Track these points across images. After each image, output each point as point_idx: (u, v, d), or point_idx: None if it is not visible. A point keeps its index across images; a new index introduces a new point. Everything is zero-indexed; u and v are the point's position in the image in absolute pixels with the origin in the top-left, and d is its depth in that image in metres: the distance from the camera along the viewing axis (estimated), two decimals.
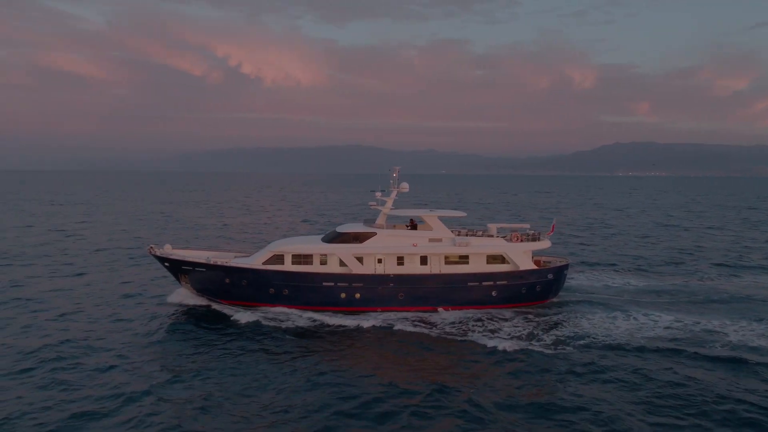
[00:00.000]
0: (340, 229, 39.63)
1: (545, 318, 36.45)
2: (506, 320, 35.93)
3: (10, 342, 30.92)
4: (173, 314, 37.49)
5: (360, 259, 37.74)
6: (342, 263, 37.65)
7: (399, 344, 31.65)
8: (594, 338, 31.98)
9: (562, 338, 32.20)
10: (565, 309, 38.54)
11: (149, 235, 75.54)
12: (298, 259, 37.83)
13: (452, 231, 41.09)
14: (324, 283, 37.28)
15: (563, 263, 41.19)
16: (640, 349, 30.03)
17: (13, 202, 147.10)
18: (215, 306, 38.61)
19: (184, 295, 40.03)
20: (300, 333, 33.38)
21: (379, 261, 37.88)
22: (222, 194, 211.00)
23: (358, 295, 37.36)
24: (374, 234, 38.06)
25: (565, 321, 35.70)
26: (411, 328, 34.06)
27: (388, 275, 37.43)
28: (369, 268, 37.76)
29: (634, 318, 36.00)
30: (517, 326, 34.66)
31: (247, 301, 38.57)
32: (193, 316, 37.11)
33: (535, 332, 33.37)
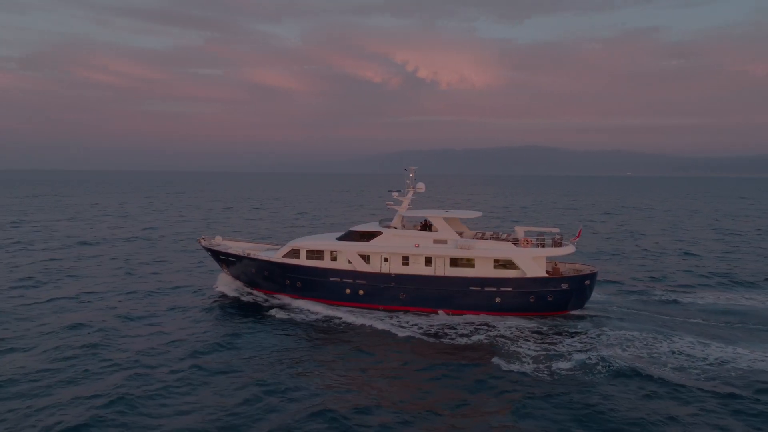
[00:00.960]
0: (353, 228, 40.65)
1: (553, 331, 33.29)
2: (508, 331, 33.40)
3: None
4: (211, 297, 42.14)
5: (366, 258, 38.50)
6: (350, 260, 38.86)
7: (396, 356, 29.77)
8: (609, 365, 26.99)
9: (563, 361, 27.85)
10: (584, 323, 34.71)
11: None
12: (312, 254, 39.89)
13: (475, 233, 40.18)
14: (331, 278, 38.86)
15: (587, 272, 37.54)
16: (662, 384, 24.74)
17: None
18: (245, 295, 42.03)
19: (224, 282, 44.53)
20: (308, 335, 33.15)
21: (385, 260, 38.24)
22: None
23: (361, 292, 38.22)
24: (380, 233, 38.48)
25: (576, 337, 31.99)
26: (419, 335, 32.72)
27: (390, 274, 37.69)
28: (375, 266, 38.33)
29: (673, 344, 30.33)
30: (517, 339, 31.88)
31: (270, 290, 41.88)
32: (225, 302, 41.11)
33: (531, 349, 29.98)
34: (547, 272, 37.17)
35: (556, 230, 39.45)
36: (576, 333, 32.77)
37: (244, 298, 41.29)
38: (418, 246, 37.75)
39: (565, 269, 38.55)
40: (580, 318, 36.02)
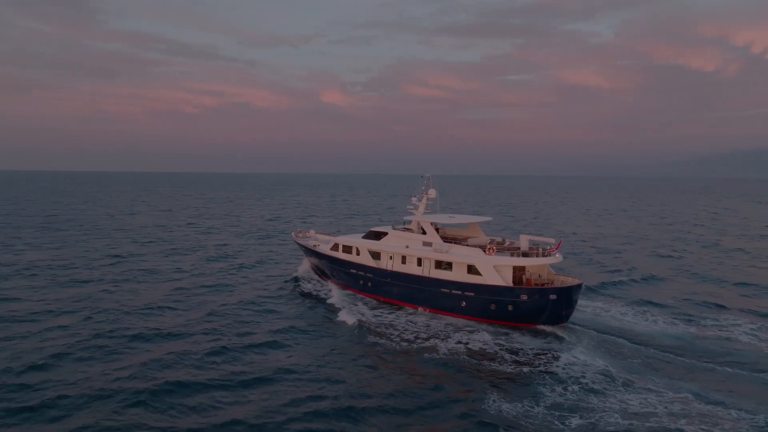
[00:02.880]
0: (372, 228, 47.51)
1: (488, 346, 33.26)
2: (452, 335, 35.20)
3: None
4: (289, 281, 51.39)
5: (376, 254, 44.29)
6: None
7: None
8: (548, 406, 25.10)
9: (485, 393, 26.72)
10: (540, 343, 33.76)
11: None
12: (345, 249, 46.56)
13: (490, 239, 43.68)
14: (350, 270, 45.66)
15: (560, 285, 36.74)
16: None
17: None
18: (306, 282, 50.75)
19: (302, 270, 53.98)
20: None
21: (390, 258, 43.50)
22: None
23: (369, 284, 44.49)
24: (386, 234, 44.43)
25: (524, 358, 31.18)
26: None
27: (386, 270, 42.87)
28: (382, 263, 43.71)
29: (635, 386, 27.21)
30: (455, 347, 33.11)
31: (324, 277, 50.30)
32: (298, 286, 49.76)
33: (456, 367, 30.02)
34: (536, 283, 37.14)
35: (552, 240, 40.08)
36: (527, 353, 32.19)
37: (304, 285, 49.74)
38: (408, 247, 41.93)
39: (558, 281, 38.06)
40: (545, 335, 34.96)
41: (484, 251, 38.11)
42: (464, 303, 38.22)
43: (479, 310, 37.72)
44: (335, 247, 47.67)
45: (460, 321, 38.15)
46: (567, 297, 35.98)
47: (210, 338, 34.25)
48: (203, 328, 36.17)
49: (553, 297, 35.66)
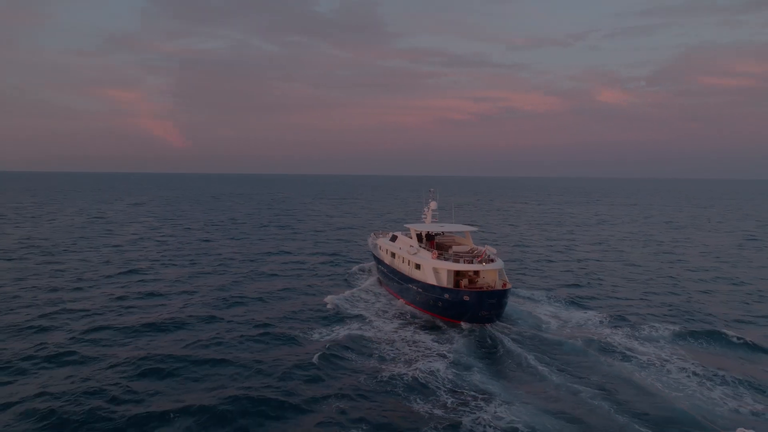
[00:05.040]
0: (395, 232, 54.43)
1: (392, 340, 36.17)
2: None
3: None
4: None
5: (392, 254, 50.69)
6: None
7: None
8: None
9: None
10: (435, 335, 37.00)
11: None
12: (384, 249, 53.27)
13: (473, 247, 48.57)
14: (380, 267, 53.29)
15: (478, 289, 39.78)
16: None
17: None
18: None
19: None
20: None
21: (393, 257, 50.18)
22: None
23: (383, 277, 52.11)
24: (396, 237, 51.92)
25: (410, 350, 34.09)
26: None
27: (389, 266, 49.52)
28: (396, 262, 49.48)
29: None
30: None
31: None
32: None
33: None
34: (479, 286, 40.62)
35: (493, 250, 44.20)
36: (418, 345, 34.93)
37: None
38: (401, 249, 48.39)
39: (497, 285, 41.02)
40: (456, 331, 37.68)
41: (433, 257, 42.71)
42: (418, 297, 43.48)
43: (427, 304, 42.55)
44: (378, 248, 55.08)
45: (415, 311, 43.61)
46: (479, 299, 38.71)
47: None
48: None
49: (466, 298, 39.08)
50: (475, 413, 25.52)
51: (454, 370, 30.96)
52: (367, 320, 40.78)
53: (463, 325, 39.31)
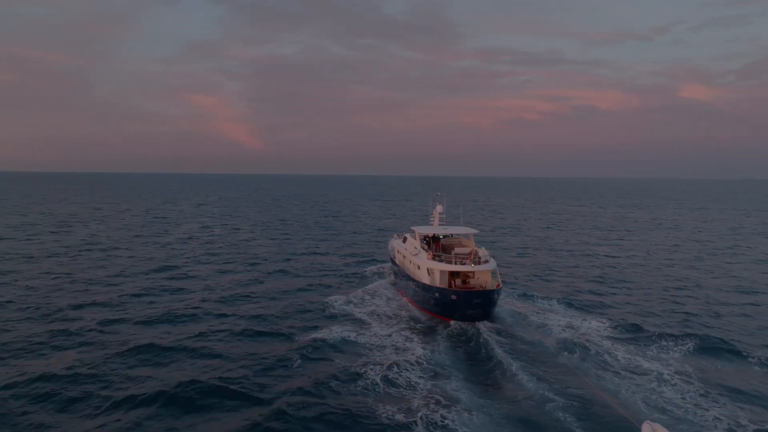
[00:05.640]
0: (406, 234, 55.35)
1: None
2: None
3: None
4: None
5: (403, 255, 51.89)
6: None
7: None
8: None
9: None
10: (420, 336, 37.66)
11: None
12: (397, 249, 54.42)
13: (474, 249, 47.99)
14: (394, 267, 54.26)
15: (465, 288, 41.05)
16: None
17: None
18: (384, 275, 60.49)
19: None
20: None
21: (404, 257, 51.35)
22: None
23: (395, 277, 53.38)
24: (405, 238, 52.85)
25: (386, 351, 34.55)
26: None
27: (399, 267, 51.09)
28: (405, 262, 50.88)
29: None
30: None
31: None
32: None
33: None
34: (473, 286, 41.83)
35: (486, 252, 45.00)
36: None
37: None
38: (407, 249, 50.23)
39: (489, 286, 42.06)
40: (446, 328, 38.82)
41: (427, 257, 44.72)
42: (417, 296, 45.30)
43: (422, 303, 44.27)
44: (393, 250, 56.79)
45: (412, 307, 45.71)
46: (467, 299, 39.86)
47: None
48: None
49: (454, 297, 40.31)
50: (431, 417, 25.48)
51: (431, 374, 30.89)
52: (359, 320, 41.64)
53: (452, 323, 40.33)
